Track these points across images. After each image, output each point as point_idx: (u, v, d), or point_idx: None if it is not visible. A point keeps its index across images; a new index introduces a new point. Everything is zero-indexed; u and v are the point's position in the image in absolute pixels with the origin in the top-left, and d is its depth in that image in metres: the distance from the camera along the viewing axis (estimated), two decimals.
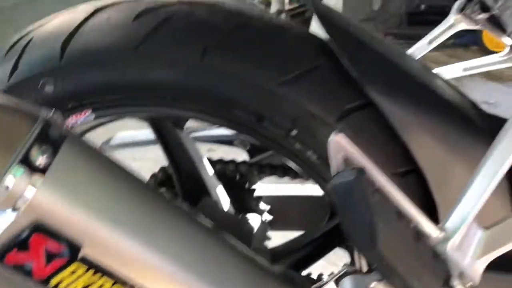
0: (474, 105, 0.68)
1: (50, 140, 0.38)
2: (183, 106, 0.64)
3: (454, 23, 0.84)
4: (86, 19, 0.65)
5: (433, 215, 0.61)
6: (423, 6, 3.09)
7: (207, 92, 0.62)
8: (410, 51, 0.89)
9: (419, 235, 0.46)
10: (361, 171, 0.43)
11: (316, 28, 0.67)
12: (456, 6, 0.82)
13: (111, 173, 0.42)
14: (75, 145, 0.40)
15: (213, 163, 0.92)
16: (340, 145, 0.45)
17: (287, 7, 3.04)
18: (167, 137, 0.77)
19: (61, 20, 0.67)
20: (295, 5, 3.05)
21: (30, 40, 0.66)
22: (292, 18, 2.97)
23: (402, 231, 0.44)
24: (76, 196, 0.39)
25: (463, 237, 0.48)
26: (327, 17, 0.63)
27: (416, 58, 0.88)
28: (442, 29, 0.85)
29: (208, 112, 0.64)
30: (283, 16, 3.04)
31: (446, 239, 0.48)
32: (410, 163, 0.61)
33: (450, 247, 0.48)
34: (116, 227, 0.40)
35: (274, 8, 3.15)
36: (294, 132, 0.62)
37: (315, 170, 0.65)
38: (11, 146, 0.38)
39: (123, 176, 0.43)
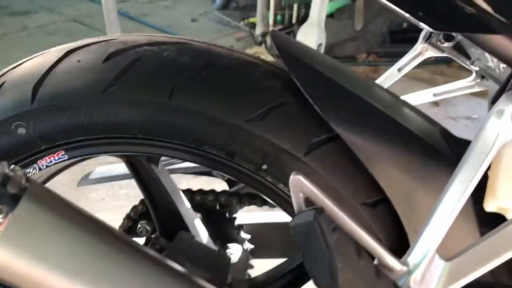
0: (442, 131, 0.70)
1: (8, 196, 0.38)
2: (154, 144, 0.65)
3: (421, 51, 0.86)
4: (57, 62, 0.66)
5: (407, 242, 0.61)
6: (405, 24, 3.15)
7: (176, 130, 0.63)
8: (379, 80, 0.91)
9: (380, 270, 0.47)
10: (320, 211, 0.44)
11: None
12: (422, 35, 0.85)
13: (73, 224, 0.42)
14: (36, 197, 0.40)
15: (192, 193, 0.93)
16: (300, 185, 0.46)
17: (271, 29, 3.09)
18: (142, 172, 0.78)
19: (33, 63, 0.68)
20: (280, 27, 3.10)
21: (2, 84, 0.67)
22: None
23: (363, 267, 0.45)
24: (34, 251, 0.39)
25: (425, 270, 0.49)
26: (287, 50, 0.63)
27: (386, 87, 0.90)
28: (411, 57, 0.88)
29: (179, 149, 0.64)
30: (268, 38, 3.08)
31: (408, 273, 0.48)
32: (381, 192, 0.61)
33: (412, 281, 0.48)
34: (76, 279, 0.40)
35: (258, 30, 3.20)
36: (264, 167, 0.63)
37: (288, 202, 0.66)
38: None
39: (87, 225, 0.43)
